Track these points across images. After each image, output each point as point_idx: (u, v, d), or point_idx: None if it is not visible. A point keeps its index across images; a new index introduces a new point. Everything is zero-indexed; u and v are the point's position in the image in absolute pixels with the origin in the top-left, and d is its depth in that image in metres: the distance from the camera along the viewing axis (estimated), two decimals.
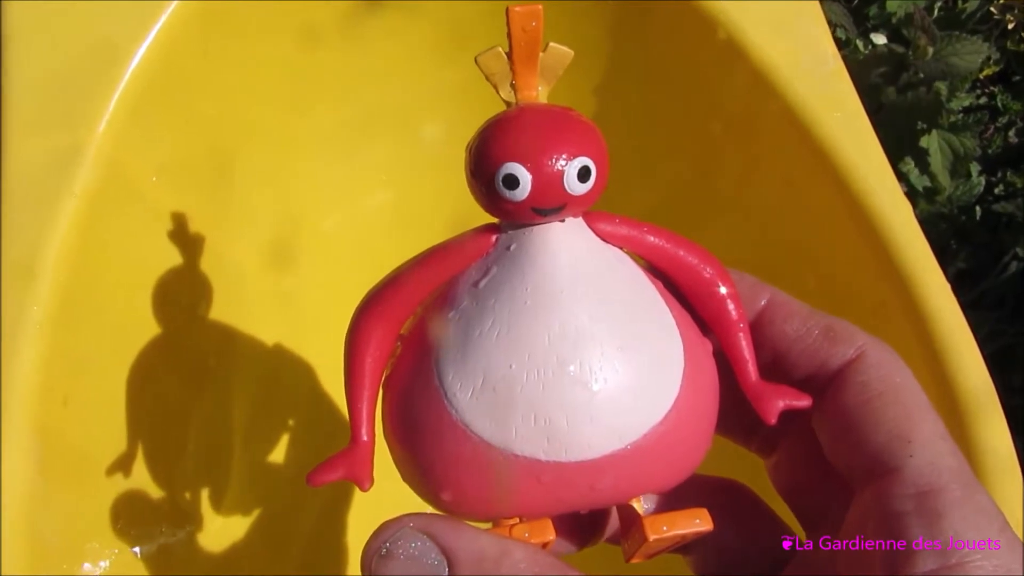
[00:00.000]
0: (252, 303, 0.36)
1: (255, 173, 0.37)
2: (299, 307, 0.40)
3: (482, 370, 0.16)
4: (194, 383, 0.33)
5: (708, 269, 0.18)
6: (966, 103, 0.68)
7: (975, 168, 0.66)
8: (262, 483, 0.36)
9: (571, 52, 0.17)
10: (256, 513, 0.36)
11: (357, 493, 0.42)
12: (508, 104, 0.17)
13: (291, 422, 0.39)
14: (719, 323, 0.18)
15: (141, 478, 0.30)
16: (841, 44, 0.63)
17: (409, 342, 0.17)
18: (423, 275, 0.17)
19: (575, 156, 0.16)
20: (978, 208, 0.66)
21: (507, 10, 0.16)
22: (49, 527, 0.24)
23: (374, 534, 0.16)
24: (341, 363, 0.18)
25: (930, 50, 0.54)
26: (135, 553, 0.29)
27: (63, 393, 0.26)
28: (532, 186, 0.16)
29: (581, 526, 0.20)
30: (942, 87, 0.57)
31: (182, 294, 0.32)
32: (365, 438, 0.17)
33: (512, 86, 0.17)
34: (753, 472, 0.22)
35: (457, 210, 0.44)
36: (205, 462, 0.34)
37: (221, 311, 0.34)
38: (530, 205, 0.16)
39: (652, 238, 0.18)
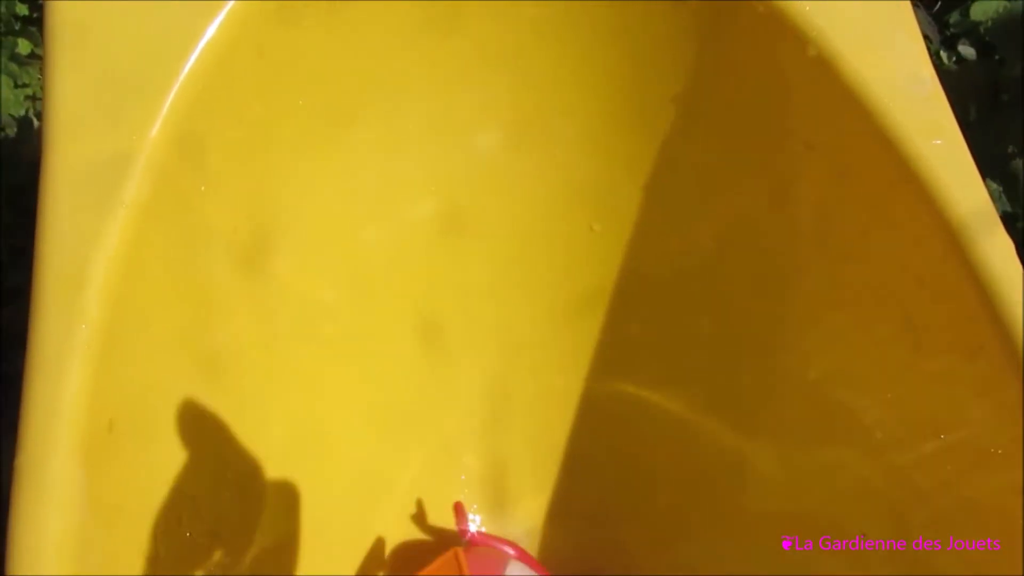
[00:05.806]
0: (296, 319, 0.37)
1: (304, 182, 0.37)
2: (340, 322, 0.40)
3: None
4: (235, 407, 0.33)
5: None
6: None
7: None
8: (299, 515, 0.37)
9: None
10: (293, 550, 0.36)
11: (392, 534, 0.42)
12: None
13: (329, 449, 0.39)
14: None
15: (182, 512, 0.30)
16: None
17: None
18: None
19: None
20: None
21: None
22: (92, 565, 0.25)
23: None
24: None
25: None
26: None
27: (108, 417, 0.26)
28: None
29: None
30: None
31: (229, 313, 0.32)
32: None
33: None
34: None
35: (506, 219, 0.44)
36: (240, 491, 0.34)
37: (264, 329, 0.35)
38: None
39: None
